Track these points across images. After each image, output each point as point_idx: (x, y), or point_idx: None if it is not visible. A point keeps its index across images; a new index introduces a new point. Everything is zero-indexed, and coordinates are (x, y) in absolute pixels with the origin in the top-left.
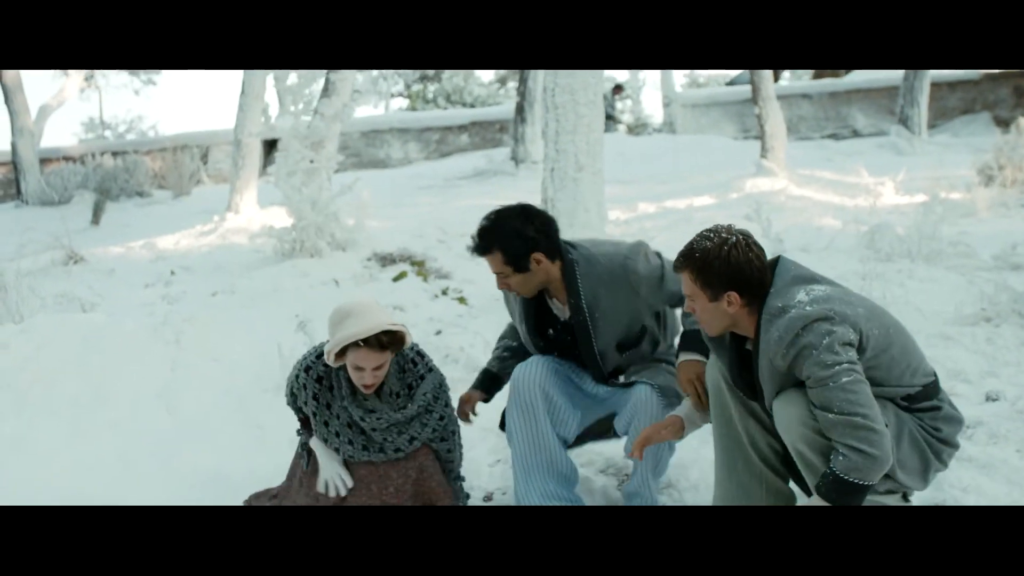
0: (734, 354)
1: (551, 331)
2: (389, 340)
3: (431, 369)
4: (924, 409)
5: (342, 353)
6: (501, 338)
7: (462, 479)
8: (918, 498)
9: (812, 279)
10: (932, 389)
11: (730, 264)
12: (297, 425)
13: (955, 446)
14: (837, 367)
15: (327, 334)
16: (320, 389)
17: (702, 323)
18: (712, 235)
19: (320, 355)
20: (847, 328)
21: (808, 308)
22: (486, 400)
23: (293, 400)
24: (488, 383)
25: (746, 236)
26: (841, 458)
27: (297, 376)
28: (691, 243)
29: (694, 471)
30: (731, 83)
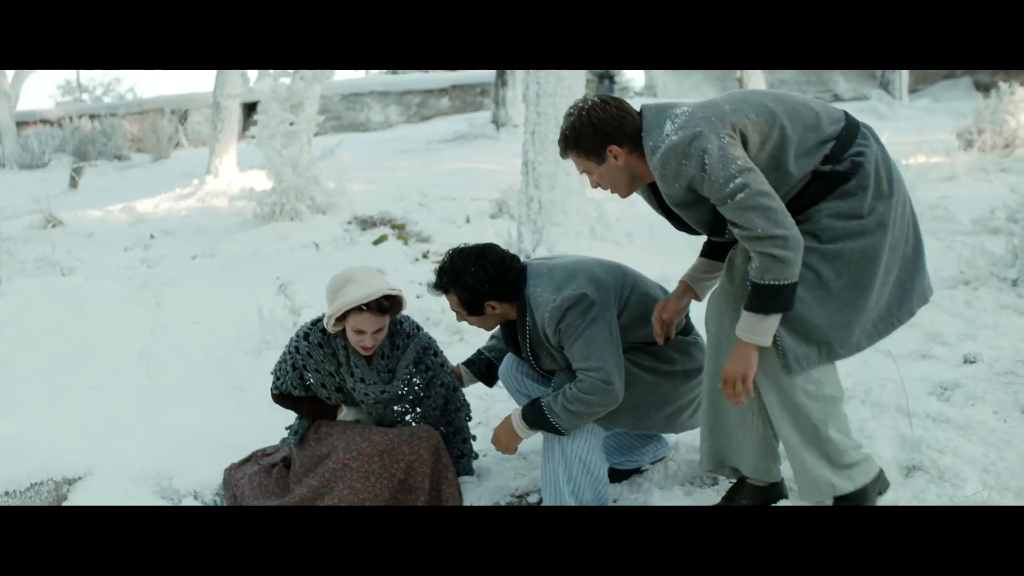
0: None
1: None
2: (390, 304)
3: (419, 328)
4: (843, 160)
5: (341, 319)
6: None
7: (473, 438)
8: (897, 465)
9: (674, 106)
10: (848, 133)
11: (594, 124)
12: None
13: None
14: (730, 184)
15: (326, 302)
16: (325, 355)
17: (611, 190)
18: (572, 110)
19: (315, 323)
20: (719, 134)
21: (674, 137)
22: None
23: (297, 376)
24: (477, 364)
25: (601, 96)
26: (754, 266)
27: (298, 348)
28: (561, 128)
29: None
30: None
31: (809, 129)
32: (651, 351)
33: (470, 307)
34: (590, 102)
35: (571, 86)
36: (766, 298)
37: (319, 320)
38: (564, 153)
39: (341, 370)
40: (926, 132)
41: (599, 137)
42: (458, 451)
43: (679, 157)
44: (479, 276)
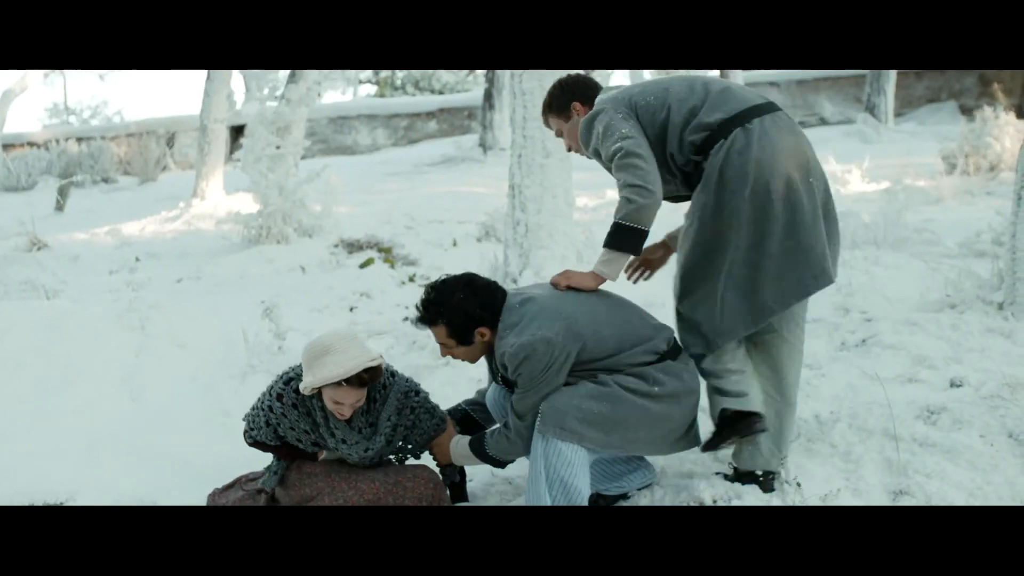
0: None
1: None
2: (370, 376)
3: (393, 374)
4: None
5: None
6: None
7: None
8: (884, 490)
9: (616, 87)
10: (722, 128)
11: (562, 85)
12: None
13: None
14: (612, 149)
15: (303, 368)
16: (299, 416)
17: (579, 151)
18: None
19: (288, 381)
20: (617, 110)
21: (591, 110)
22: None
23: (272, 431)
24: (452, 415)
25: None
26: (616, 207)
27: (271, 407)
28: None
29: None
30: None
31: (692, 114)
32: (640, 373)
33: (460, 334)
34: (564, 75)
35: None
36: (617, 234)
37: (292, 379)
38: (544, 120)
39: (319, 430)
40: (912, 155)
41: (565, 95)
42: (448, 479)
43: (587, 128)
44: (470, 301)
